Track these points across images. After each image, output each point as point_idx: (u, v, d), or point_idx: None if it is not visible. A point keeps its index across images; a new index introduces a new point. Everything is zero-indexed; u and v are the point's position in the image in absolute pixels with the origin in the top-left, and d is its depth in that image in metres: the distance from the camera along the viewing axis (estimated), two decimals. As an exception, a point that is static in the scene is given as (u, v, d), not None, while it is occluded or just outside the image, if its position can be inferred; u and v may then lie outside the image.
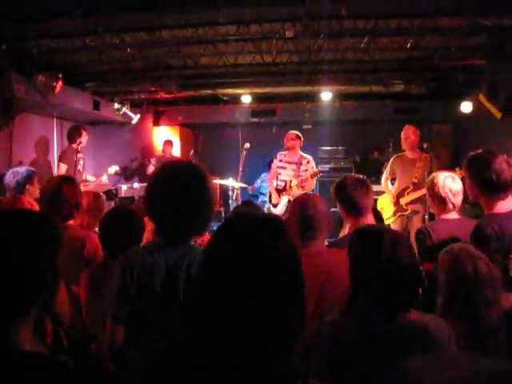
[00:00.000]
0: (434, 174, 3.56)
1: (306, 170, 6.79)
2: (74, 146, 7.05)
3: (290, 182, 6.77)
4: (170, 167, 2.18)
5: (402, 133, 6.31)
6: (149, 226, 2.84)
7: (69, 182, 3.41)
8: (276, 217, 1.27)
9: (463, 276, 2.19)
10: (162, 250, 2.05)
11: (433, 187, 3.39)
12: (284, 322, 1.07)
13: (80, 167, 7.09)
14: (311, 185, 6.82)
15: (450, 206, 3.31)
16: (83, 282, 2.64)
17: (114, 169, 7.47)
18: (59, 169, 6.93)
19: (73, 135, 7.09)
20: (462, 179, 3.52)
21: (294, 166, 6.83)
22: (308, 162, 6.85)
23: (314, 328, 1.92)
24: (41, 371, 1.22)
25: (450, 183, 3.34)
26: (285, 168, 6.94)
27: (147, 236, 2.91)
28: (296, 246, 1.17)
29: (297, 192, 6.62)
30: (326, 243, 3.25)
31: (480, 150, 2.98)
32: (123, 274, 2.04)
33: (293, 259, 1.13)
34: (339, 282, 2.19)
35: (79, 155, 7.10)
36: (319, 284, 2.30)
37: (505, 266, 2.71)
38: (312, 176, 6.65)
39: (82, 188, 6.75)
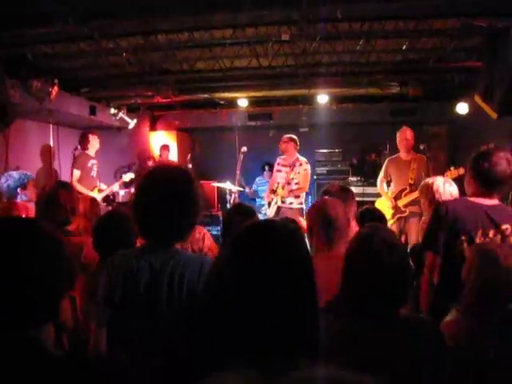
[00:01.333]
0: (427, 180, 3.58)
1: (299, 173, 6.83)
2: (87, 151, 7.12)
3: (278, 184, 6.91)
4: (156, 172, 2.19)
5: (398, 134, 6.32)
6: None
7: (64, 187, 3.38)
8: (293, 224, 1.29)
9: (492, 275, 2.21)
10: (148, 254, 2.06)
11: (433, 193, 3.40)
12: (301, 327, 1.09)
13: (94, 173, 7.13)
14: (301, 188, 6.84)
15: None
16: (79, 288, 2.63)
17: (129, 176, 7.49)
18: (73, 175, 6.96)
19: (84, 141, 7.19)
20: (458, 178, 3.56)
21: (288, 169, 6.88)
22: (300, 165, 6.87)
23: None
24: (77, 374, 1.26)
25: (449, 188, 3.37)
26: (280, 171, 7.02)
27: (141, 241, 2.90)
28: (309, 254, 1.21)
29: (282, 193, 6.78)
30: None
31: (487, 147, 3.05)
32: (109, 278, 2.06)
33: (306, 262, 1.16)
34: None
35: (93, 161, 7.13)
36: None
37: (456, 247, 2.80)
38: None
39: (97, 195, 6.83)
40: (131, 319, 2.01)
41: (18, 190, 4.12)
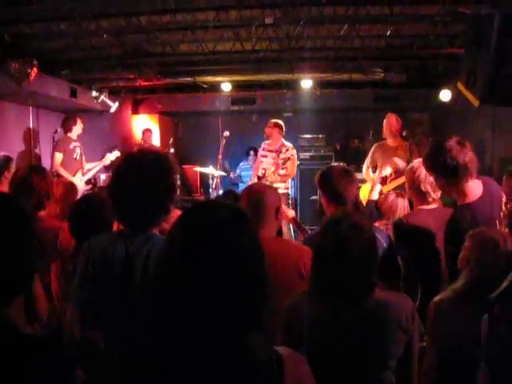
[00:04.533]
0: (413, 164, 3.51)
1: (286, 159, 6.82)
2: (69, 134, 7.00)
3: (266, 170, 6.87)
4: (132, 157, 2.20)
5: (385, 121, 6.31)
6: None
7: (37, 171, 3.32)
8: (236, 204, 1.29)
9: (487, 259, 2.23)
10: (123, 239, 2.08)
11: (413, 179, 3.35)
12: (248, 300, 1.09)
13: (76, 155, 7.03)
14: (290, 173, 6.85)
15: (430, 199, 3.31)
16: (54, 273, 2.60)
17: (114, 155, 7.36)
18: (54, 158, 6.84)
19: (67, 124, 7.05)
20: None
21: (274, 154, 6.87)
22: (287, 150, 6.89)
23: (288, 306, 1.94)
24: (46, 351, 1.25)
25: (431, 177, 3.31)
26: (266, 156, 7.02)
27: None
28: (256, 233, 1.18)
29: (272, 179, 6.74)
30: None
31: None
32: (85, 261, 2.08)
33: (253, 246, 1.14)
34: (278, 271, 2.22)
35: (75, 144, 7.02)
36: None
37: None
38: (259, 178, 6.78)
39: (79, 179, 6.75)
40: (106, 302, 2.02)
41: (5, 173, 4.06)
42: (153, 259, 1.98)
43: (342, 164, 3.20)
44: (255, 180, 7.00)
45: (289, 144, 6.99)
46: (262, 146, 7.14)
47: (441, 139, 2.92)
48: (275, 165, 6.82)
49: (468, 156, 2.81)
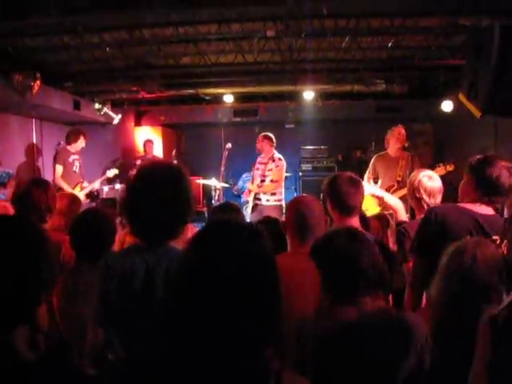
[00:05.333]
0: (414, 173, 3.50)
1: (271, 170, 6.81)
2: (69, 147, 7.02)
3: (252, 182, 6.98)
4: (149, 169, 2.17)
5: (393, 132, 6.27)
6: (120, 230, 2.80)
7: (38, 184, 3.31)
8: (253, 224, 1.28)
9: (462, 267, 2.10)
10: (142, 253, 2.04)
11: (413, 189, 3.34)
12: (259, 322, 1.08)
13: (76, 168, 7.06)
14: (271, 185, 6.82)
15: (425, 206, 3.25)
16: (56, 287, 2.59)
17: (113, 172, 7.41)
18: (55, 171, 6.87)
19: (70, 137, 7.06)
20: (446, 175, 3.50)
21: (263, 166, 6.89)
22: (273, 161, 6.84)
23: (296, 325, 1.92)
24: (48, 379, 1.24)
25: (427, 183, 3.27)
26: (258, 169, 7.03)
27: (119, 239, 2.87)
28: (272, 251, 1.18)
29: (256, 190, 6.82)
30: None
31: (485, 154, 2.92)
32: (104, 278, 2.03)
33: (267, 262, 1.14)
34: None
35: (74, 157, 7.04)
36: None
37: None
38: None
39: (79, 192, 6.77)
40: (128, 318, 1.99)
41: None
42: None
43: (350, 173, 3.16)
44: (247, 194, 7.09)
45: (277, 155, 6.96)
46: (258, 159, 7.13)
47: (493, 156, 2.87)
48: (261, 176, 6.84)
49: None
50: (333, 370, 1.81)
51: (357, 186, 3.00)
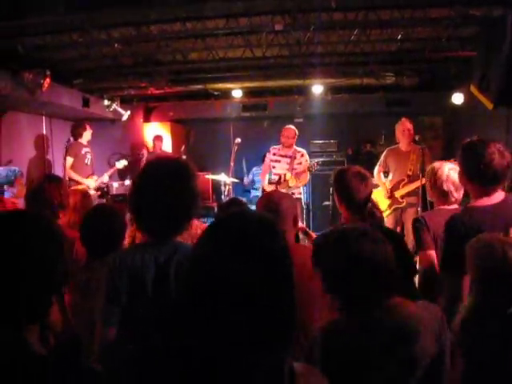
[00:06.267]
0: (435, 164, 3.42)
1: (300, 163, 6.83)
2: (80, 140, 7.17)
3: (285, 175, 6.78)
4: (155, 164, 2.17)
5: (399, 125, 6.26)
6: (130, 225, 2.80)
7: (52, 180, 3.32)
8: (267, 215, 1.25)
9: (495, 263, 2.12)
10: (151, 249, 2.04)
11: (435, 179, 3.26)
12: (272, 320, 1.07)
13: (88, 161, 7.18)
14: (305, 178, 6.83)
15: (453, 199, 3.23)
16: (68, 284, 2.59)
17: (122, 163, 7.48)
18: (66, 163, 6.97)
19: (77, 130, 7.21)
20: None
21: (289, 160, 6.84)
22: (302, 156, 6.88)
23: (311, 335, 1.89)
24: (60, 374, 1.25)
25: (454, 176, 3.21)
26: (279, 161, 6.94)
27: (129, 235, 2.87)
28: (288, 245, 1.16)
29: (294, 184, 6.69)
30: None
31: (474, 138, 2.82)
32: (112, 276, 2.02)
33: (283, 258, 1.12)
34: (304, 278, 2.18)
35: (86, 149, 7.15)
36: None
37: None
38: (308, 169, 6.67)
39: (91, 183, 6.86)
40: (140, 315, 1.98)
41: (5, 187, 4.08)
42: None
43: (358, 166, 3.14)
44: (267, 185, 6.95)
45: (302, 149, 6.95)
46: (272, 151, 7.04)
47: (481, 141, 2.76)
48: (291, 170, 6.77)
49: (506, 166, 2.69)
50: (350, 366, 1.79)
51: (364, 179, 2.99)
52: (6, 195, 4.04)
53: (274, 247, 1.11)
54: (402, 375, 1.77)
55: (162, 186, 2.01)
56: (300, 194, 6.92)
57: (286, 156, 6.89)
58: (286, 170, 6.80)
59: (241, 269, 1.05)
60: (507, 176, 2.75)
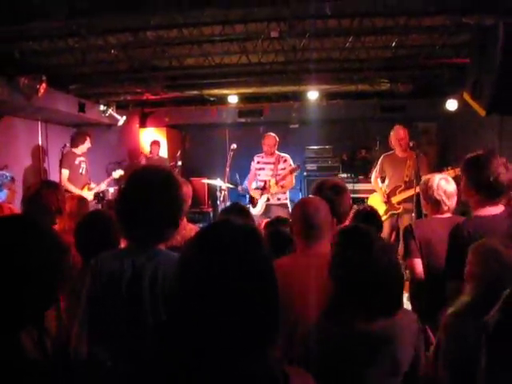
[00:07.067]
0: (427, 176, 3.57)
1: (284, 169, 6.90)
2: (74, 149, 7.15)
3: (269, 181, 6.88)
4: (139, 172, 2.22)
5: (394, 133, 6.30)
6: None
7: (48, 186, 3.33)
8: (251, 225, 1.29)
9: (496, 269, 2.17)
10: (130, 255, 2.09)
11: (427, 190, 3.40)
12: (258, 326, 1.11)
13: (82, 170, 7.15)
14: (290, 182, 6.90)
15: (445, 208, 3.34)
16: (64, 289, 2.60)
17: (118, 173, 7.48)
18: (61, 175, 6.94)
19: (75, 140, 7.21)
20: (455, 178, 3.54)
21: (272, 166, 6.90)
22: (285, 161, 6.95)
23: (302, 332, 1.93)
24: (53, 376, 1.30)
25: (445, 185, 3.34)
26: (263, 169, 7.07)
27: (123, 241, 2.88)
28: (270, 254, 1.20)
29: (275, 190, 6.79)
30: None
31: (479, 151, 2.93)
32: (92, 279, 2.08)
33: (265, 266, 1.16)
34: None
35: (80, 159, 7.13)
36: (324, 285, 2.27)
37: None
38: (291, 172, 6.75)
39: (87, 194, 6.83)
40: (113, 319, 2.02)
41: None
42: (160, 275, 1.99)
43: (335, 179, 3.23)
44: (253, 191, 7.05)
45: (285, 155, 7.02)
46: (256, 159, 7.15)
47: (488, 153, 2.87)
48: (275, 176, 6.84)
49: (510, 179, 2.80)
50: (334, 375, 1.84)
51: (342, 192, 3.07)
52: (-3, 199, 4.05)
53: (260, 253, 1.15)
54: (385, 375, 1.84)
55: (146, 195, 2.05)
56: (286, 199, 6.97)
57: (268, 163, 7.00)
58: (270, 176, 6.89)
59: (223, 274, 1.08)
60: (510, 189, 2.84)
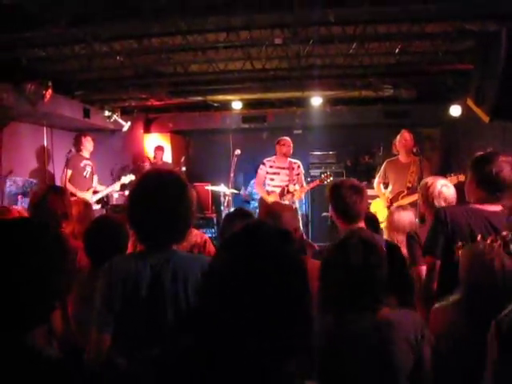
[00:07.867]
0: (428, 179, 3.54)
1: (299, 174, 6.89)
2: (80, 152, 7.18)
3: (287, 186, 6.83)
4: (150, 176, 2.21)
5: (399, 137, 6.28)
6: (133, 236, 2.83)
7: (55, 191, 3.34)
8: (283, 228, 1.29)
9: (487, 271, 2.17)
10: (146, 257, 2.08)
11: (427, 195, 3.38)
12: (291, 328, 1.10)
13: (86, 174, 7.16)
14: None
15: None
16: (71, 293, 2.62)
17: (128, 178, 7.47)
18: (65, 175, 6.96)
19: (77, 142, 7.24)
20: (457, 185, 3.54)
21: (287, 171, 6.88)
22: (299, 167, 6.95)
23: None
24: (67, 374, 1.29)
25: (446, 192, 3.34)
26: (278, 174, 6.94)
27: (132, 245, 2.90)
28: (302, 255, 1.21)
29: (299, 195, 6.84)
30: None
31: (487, 151, 2.95)
32: (108, 283, 2.05)
33: (301, 266, 1.17)
34: None
35: (86, 162, 7.15)
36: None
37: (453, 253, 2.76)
38: (321, 181, 6.89)
39: (90, 196, 6.85)
40: (134, 323, 2.00)
41: (19, 196, 4.11)
42: (181, 276, 1.99)
43: (352, 179, 3.19)
44: (267, 197, 6.96)
45: (296, 160, 7.01)
46: (268, 163, 7.01)
47: (494, 152, 2.91)
48: (291, 181, 6.82)
49: None
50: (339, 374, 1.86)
51: (360, 191, 3.04)
52: (19, 205, 4.07)
53: (294, 256, 1.16)
54: (376, 373, 1.86)
55: (160, 197, 2.05)
56: (294, 203, 6.97)
57: (283, 168, 6.93)
58: (287, 181, 6.84)
59: (260, 281, 1.08)
60: None
